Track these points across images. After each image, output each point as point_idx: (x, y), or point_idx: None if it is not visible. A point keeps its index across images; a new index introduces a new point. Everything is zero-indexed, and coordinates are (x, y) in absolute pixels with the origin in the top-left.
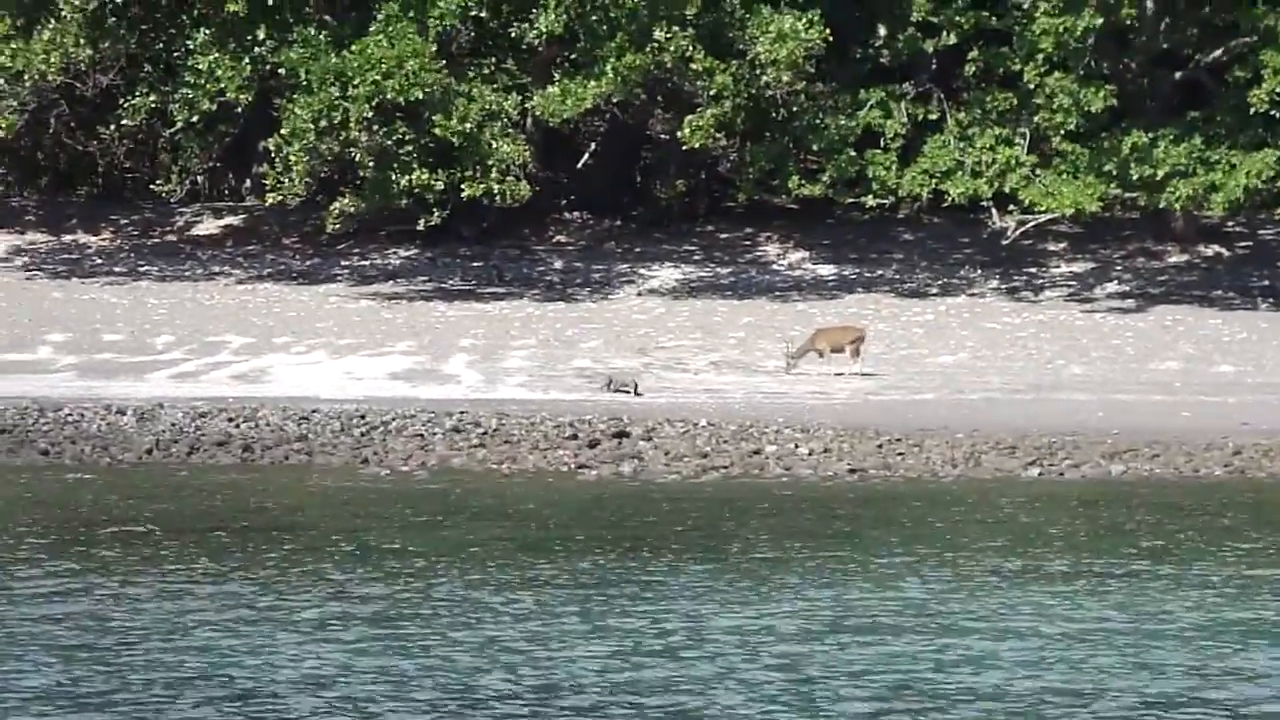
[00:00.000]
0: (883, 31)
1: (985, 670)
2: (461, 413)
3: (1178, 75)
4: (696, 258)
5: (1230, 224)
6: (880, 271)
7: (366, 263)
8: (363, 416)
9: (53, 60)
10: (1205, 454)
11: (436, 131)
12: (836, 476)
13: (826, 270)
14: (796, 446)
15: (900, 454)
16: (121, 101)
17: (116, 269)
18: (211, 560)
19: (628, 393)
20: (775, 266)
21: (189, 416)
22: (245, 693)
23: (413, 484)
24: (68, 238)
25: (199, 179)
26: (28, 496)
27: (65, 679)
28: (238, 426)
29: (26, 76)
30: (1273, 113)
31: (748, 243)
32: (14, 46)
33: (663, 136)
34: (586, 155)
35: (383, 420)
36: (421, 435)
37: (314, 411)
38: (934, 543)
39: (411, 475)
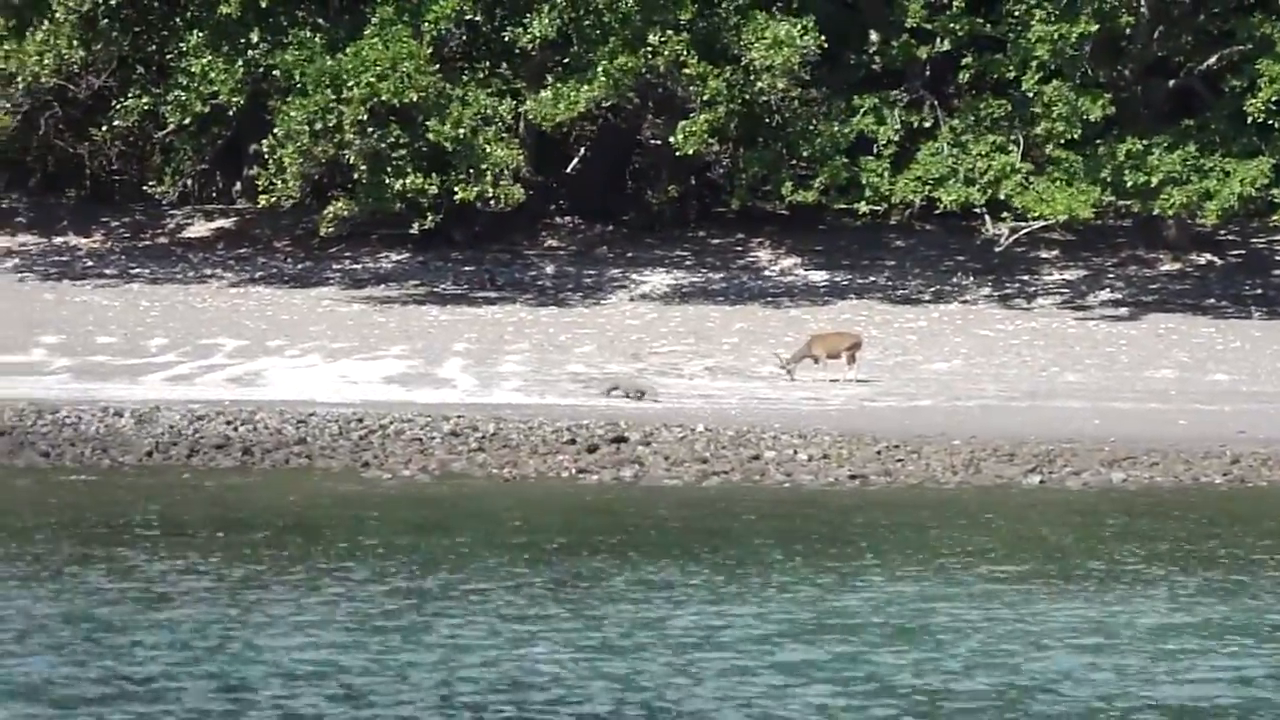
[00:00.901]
0: (876, 38)
1: (976, 674)
2: (458, 417)
3: (1171, 83)
4: (688, 263)
5: (1222, 232)
6: (872, 278)
7: (358, 266)
8: (360, 420)
9: (46, 62)
10: (1204, 462)
11: (430, 135)
12: (838, 483)
13: (818, 276)
14: (795, 453)
15: (900, 460)
16: (114, 103)
17: (107, 271)
18: (235, 562)
19: (637, 398)
20: (767, 272)
21: (186, 419)
22: (254, 690)
23: (419, 488)
24: (58, 239)
25: (189, 181)
26: (47, 499)
27: (81, 676)
28: (236, 429)
29: (20, 78)
30: (1268, 121)
31: (739, 248)
32: (7, 48)
33: (654, 141)
34: (576, 160)
35: (380, 424)
36: (420, 439)
37: (311, 415)
38: (942, 549)
39: (414, 479)
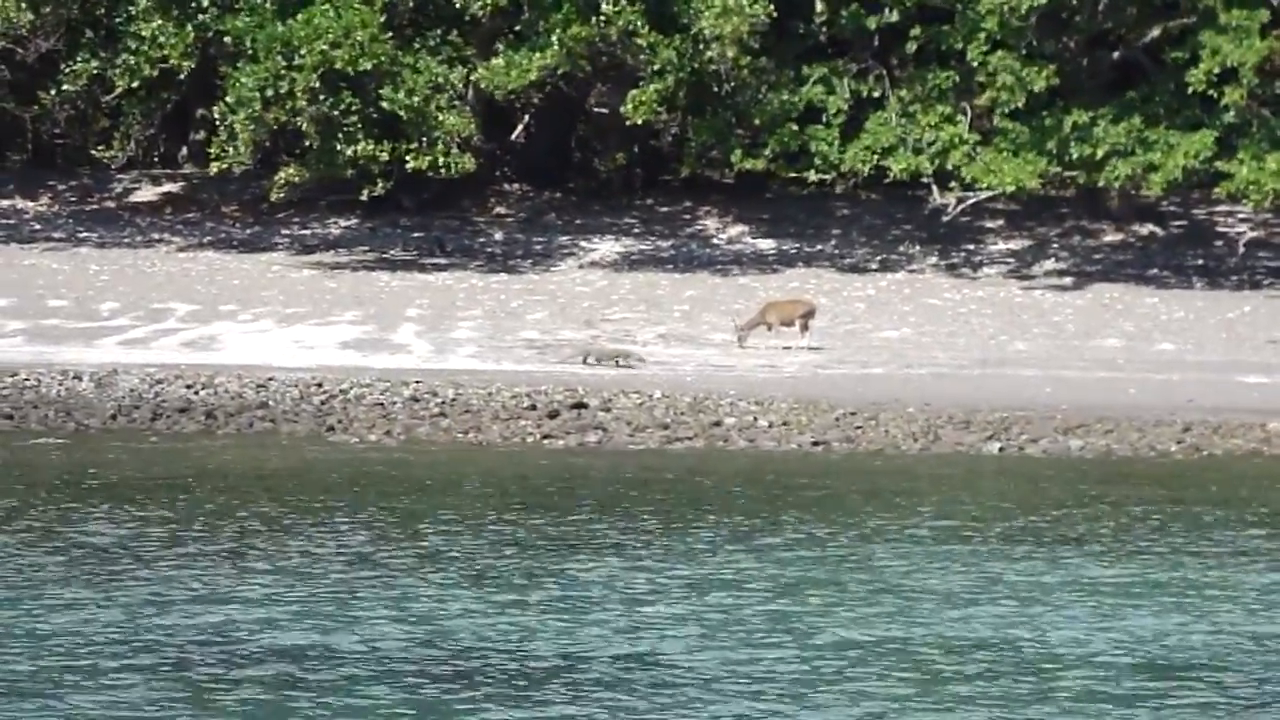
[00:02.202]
0: (824, 7)
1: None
2: (417, 382)
3: (1116, 55)
4: (636, 231)
5: (1165, 203)
6: (820, 246)
7: (307, 232)
8: (320, 385)
9: None
10: (1156, 430)
11: (384, 104)
12: (801, 449)
13: (766, 245)
14: (756, 419)
15: (859, 427)
16: (62, 67)
17: (55, 235)
18: (234, 523)
19: (624, 365)
20: (715, 240)
21: (146, 383)
22: (223, 645)
23: (391, 453)
24: (5, 203)
25: (135, 145)
26: (34, 461)
27: (72, 629)
28: (197, 393)
29: None
30: (1210, 93)
31: (687, 216)
32: None
33: (600, 110)
34: (521, 127)
35: (340, 389)
36: (382, 404)
37: (270, 379)
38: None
39: (380, 444)
